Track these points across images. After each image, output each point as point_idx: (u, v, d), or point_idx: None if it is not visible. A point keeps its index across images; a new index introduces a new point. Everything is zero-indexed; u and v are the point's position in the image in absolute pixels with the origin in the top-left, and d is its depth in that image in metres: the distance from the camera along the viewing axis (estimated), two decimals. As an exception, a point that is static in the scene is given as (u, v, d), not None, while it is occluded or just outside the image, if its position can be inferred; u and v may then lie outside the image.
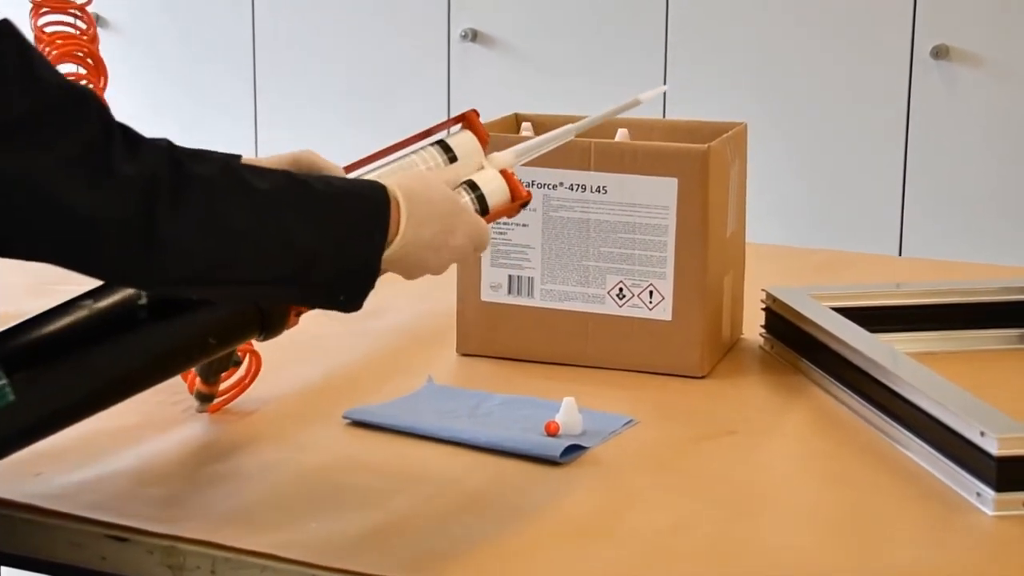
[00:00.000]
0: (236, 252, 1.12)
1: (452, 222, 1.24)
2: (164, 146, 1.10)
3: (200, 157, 1.11)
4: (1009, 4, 3.18)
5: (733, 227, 1.74)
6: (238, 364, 1.49)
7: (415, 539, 1.26)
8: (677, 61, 3.46)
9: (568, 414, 1.48)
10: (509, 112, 1.85)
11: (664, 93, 3.48)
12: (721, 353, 1.73)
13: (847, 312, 1.67)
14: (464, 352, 1.73)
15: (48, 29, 1.65)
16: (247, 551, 1.25)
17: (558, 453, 1.42)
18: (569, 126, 1.40)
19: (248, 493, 1.36)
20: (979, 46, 3.21)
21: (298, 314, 1.31)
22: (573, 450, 1.44)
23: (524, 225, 1.68)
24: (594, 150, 1.65)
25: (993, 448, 1.31)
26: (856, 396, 1.56)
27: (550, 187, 1.66)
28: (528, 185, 1.66)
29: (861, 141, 3.34)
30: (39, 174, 1.03)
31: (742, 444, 1.49)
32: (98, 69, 1.66)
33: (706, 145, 1.63)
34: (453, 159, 1.33)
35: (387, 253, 1.20)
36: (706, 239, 1.64)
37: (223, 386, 1.53)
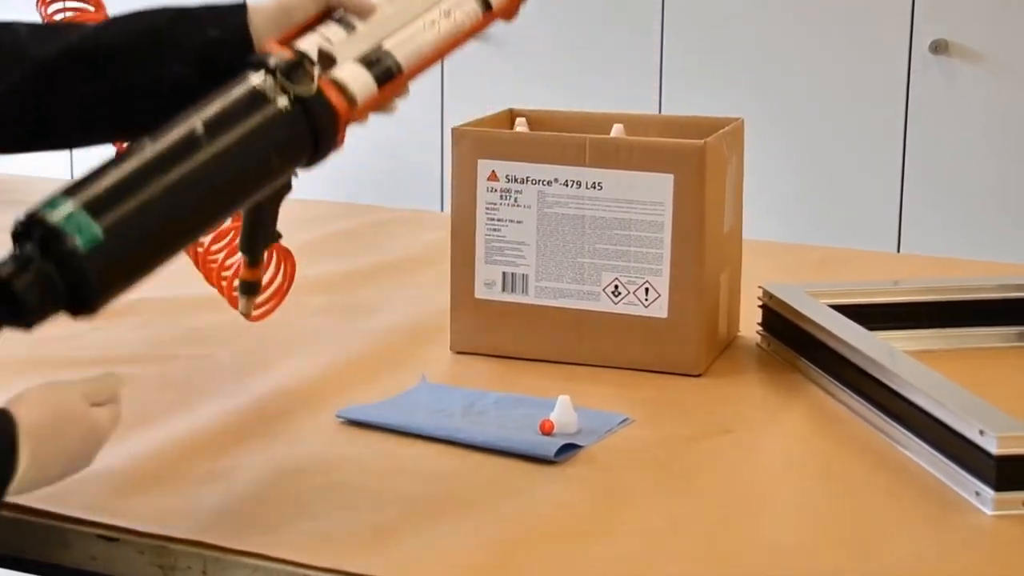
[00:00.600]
0: None
1: (84, 450, 1.24)
2: None
3: None
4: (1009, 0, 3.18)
5: (730, 224, 1.74)
6: (278, 238, 1.44)
7: (408, 539, 1.25)
8: (673, 55, 3.45)
9: (563, 413, 1.47)
10: (503, 107, 1.84)
11: (660, 89, 3.47)
12: (718, 351, 1.72)
13: (845, 309, 1.66)
14: (458, 350, 1.73)
15: (57, 17, 1.64)
16: (238, 551, 1.24)
17: (553, 452, 1.41)
18: None
19: (240, 492, 1.35)
20: (979, 41, 3.21)
21: (348, 123, 1.25)
22: (568, 449, 1.43)
23: (518, 222, 1.67)
24: (589, 146, 1.64)
25: (992, 447, 1.30)
26: (854, 394, 1.55)
27: (545, 183, 1.66)
28: (523, 181, 1.66)
29: (859, 137, 3.34)
30: None
31: (739, 443, 1.49)
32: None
33: (703, 141, 1.62)
34: None
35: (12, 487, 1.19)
36: (702, 236, 1.63)
37: (260, 298, 1.53)
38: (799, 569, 1.21)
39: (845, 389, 1.57)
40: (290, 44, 1.24)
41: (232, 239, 1.64)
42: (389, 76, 1.25)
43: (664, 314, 1.64)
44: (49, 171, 2.60)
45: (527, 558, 1.23)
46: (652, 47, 3.47)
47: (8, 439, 1.18)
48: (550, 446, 1.42)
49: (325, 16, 1.28)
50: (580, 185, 1.65)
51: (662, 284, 1.64)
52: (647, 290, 1.65)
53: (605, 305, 1.66)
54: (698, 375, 1.65)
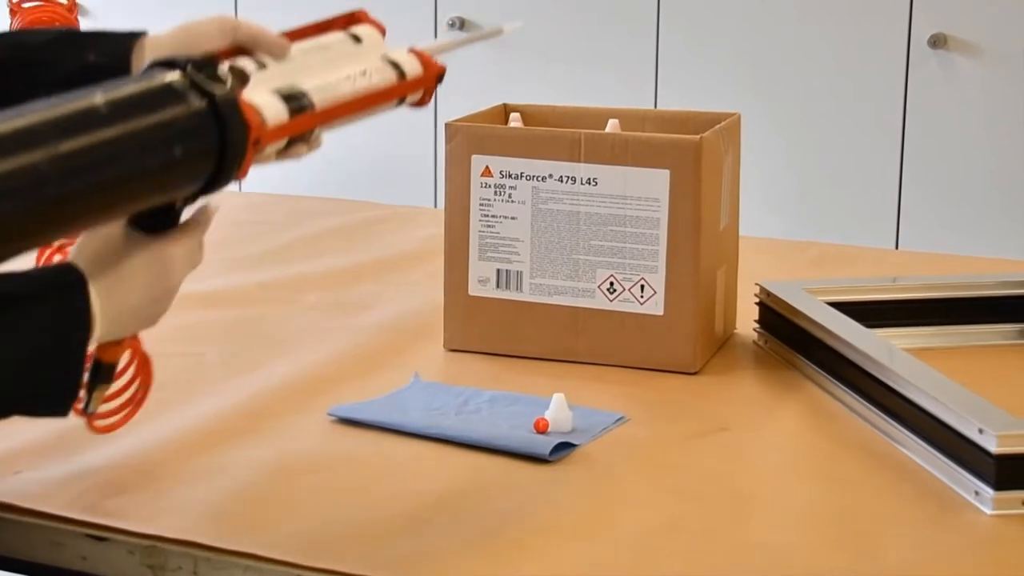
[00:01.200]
0: None
1: (152, 284, 1.19)
2: None
3: None
4: (1008, -7, 3.18)
5: (726, 220, 1.73)
6: (110, 380, 1.29)
7: (401, 538, 1.25)
8: (669, 49, 3.45)
9: (557, 411, 1.47)
10: (497, 102, 1.83)
11: (656, 84, 3.47)
12: (714, 348, 1.71)
13: (842, 307, 1.66)
14: (451, 347, 1.72)
15: (26, 5, 1.62)
16: (229, 551, 1.23)
17: (547, 451, 1.40)
18: (450, 40, 1.37)
19: (231, 492, 1.34)
20: (978, 35, 3.20)
21: (256, 143, 1.17)
22: (562, 448, 1.42)
23: (512, 218, 1.66)
24: (584, 141, 1.63)
25: (992, 445, 1.29)
26: (852, 392, 1.54)
27: (539, 179, 1.65)
28: (517, 177, 1.65)
29: (857, 132, 3.33)
30: None
31: (735, 441, 1.48)
32: None
33: (699, 136, 1.61)
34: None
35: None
36: (699, 232, 1.62)
37: (116, 404, 1.39)
38: (796, 568, 1.20)
39: (843, 387, 1.56)
40: None
41: None
42: (301, 110, 1.20)
43: (660, 311, 1.64)
44: None
45: (521, 558, 1.22)
46: (648, 41, 3.46)
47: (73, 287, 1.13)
48: (544, 445, 1.41)
49: (235, 54, 1.24)
50: (575, 181, 1.64)
51: (658, 281, 1.63)
52: (643, 287, 1.64)
53: (600, 302, 1.65)
54: (694, 373, 1.65)
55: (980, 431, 1.31)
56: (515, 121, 1.79)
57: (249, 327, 1.75)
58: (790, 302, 1.67)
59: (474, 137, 1.68)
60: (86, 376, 1.24)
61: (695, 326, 1.64)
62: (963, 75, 3.21)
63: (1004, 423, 1.31)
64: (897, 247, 3.29)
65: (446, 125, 1.69)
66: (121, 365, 1.32)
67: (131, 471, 1.38)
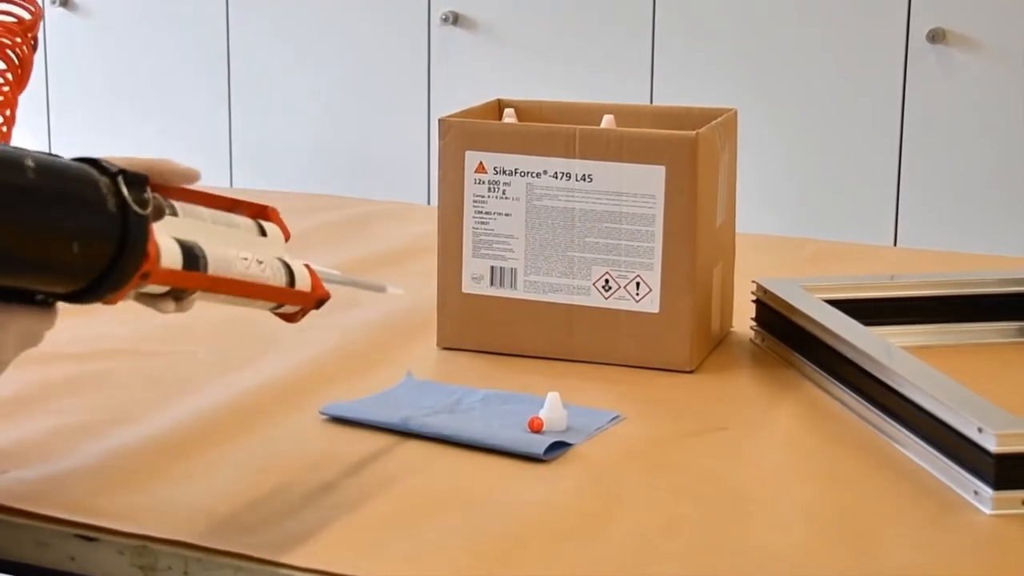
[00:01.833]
0: None
1: None
2: None
3: None
4: (1007, -11, 3.17)
5: (723, 217, 1.72)
6: None
7: (394, 538, 1.24)
8: (665, 44, 3.44)
9: (552, 410, 1.46)
10: (492, 98, 1.83)
11: (652, 79, 3.46)
12: (710, 347, 1.71)
13: (840, 304, 1.65)
14: (445, 346, 1.71)
15: None
16: (220, 551, 1.22)
17: (542, 450, 1.40)
18: (340, 276, 1.40)
19: (222, 491, 1.33)
20: (977, 30, 3.19)
21: (144, 276, 1.17)
22: (557, 447, 1.41)
23: (506, 215, 1.65)
24: (579, 137, 1.62)
25: (991, 445, 1.28)
26: (849, 391, 1.53)
27: (533, 175, 1.64)
28: (511, 173, 1.64)
29: (855, 128, 3.33)
30: None
31: (732, 440, 1.47)
32: (20, 67, 1.60)
33: (695, 132, 1.61)
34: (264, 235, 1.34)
35: None
36: (695, 229, 1.61)
37: None
38: (794, 568, 1.20)
39: (841, 386, 1.55)
40: None
41: None
42: (195, 267, 1.20)
43: (656, 309, 1.63)
44: None
45: (515, 558, 1.21)
46: (644, 36, 3.46)
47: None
48: (539, 444, 1.40)
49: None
50: (570, 177, 1.63)
51: (654, 278, 1.62)
52: (638, 284, 1.63)
53: (595, 300, 1.64)
54: (690, 371, 1.64)
55: (979, 430, 1.30)
56: (509, 117, 1.79)
57: (240, 325, 1.73)
58: (787, 300, 1.67)
59: (468, 133, 1.67)
60: None
61: (691, 324, 1.63)
62: (962, 70, 3.21)
63: (1004, 422, 1.30)
64: (895, 244, 3.29)
65: (439, 121, 1.68)
66: None
67: (120, 470, 1.37)
